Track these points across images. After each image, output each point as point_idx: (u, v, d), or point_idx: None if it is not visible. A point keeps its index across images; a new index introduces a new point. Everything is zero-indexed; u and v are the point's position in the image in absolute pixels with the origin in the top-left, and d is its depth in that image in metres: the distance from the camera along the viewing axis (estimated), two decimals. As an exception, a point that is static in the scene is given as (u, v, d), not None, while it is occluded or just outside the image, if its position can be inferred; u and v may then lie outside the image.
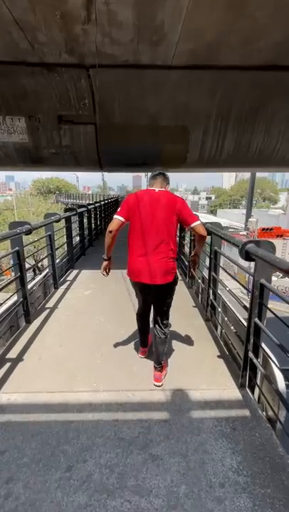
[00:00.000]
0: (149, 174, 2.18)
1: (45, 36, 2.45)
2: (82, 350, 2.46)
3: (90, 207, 6.37)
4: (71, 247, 4.83)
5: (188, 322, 2.98)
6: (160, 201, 1.92)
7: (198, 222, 1.92)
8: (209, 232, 2.78)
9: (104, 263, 2.16)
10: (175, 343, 2.59)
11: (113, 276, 4.46)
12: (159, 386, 2.01)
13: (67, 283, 4.22)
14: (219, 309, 2.72)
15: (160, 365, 2.06)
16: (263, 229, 19.49)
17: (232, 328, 2.34)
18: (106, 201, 9.70)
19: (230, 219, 30.21)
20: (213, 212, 46.46)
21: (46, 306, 3.36)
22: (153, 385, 2.00)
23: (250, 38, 2.57)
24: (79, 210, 5.22)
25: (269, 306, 1.99)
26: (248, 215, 21.85)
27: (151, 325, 2.28)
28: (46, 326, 2.90)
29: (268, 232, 19.53)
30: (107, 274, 2.20)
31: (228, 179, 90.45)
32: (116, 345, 2.54)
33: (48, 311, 3.26)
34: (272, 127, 3.64)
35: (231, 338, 2.42)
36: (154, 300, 2.11)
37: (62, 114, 3.50)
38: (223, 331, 2.60)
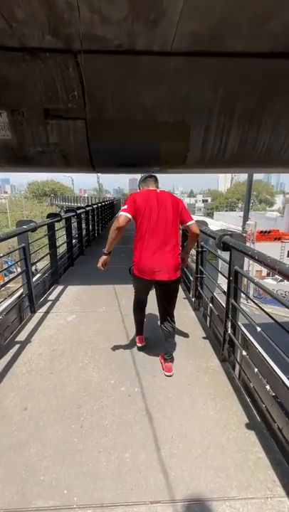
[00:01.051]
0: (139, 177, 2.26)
1: (24, 12, 2.09)
2: (54, 417, 1.72)
3: (80, 211, 5.97)
4: (55, 259, 4.36)
5: (199, 363, 2.30)
6: (166, 201, 2.05)
7: (194, 221, 2.15)
8: (228, 247, 2.22)
9: (104, 257, 2.20)
10: (184, 403, 1.85)
11: (103, 293, 3.91)
12: (170, 376, 2.12)
13: (49, 304, 3.56)
14: (244, 352, 1.99)
15: (170, 357, 2.21)
16: (261, 232, 19.32)
17: (267, 387, 1.62)
18: (100, 204, 9.14)
19: (227, 222, 30.02)
20: (209, 215, 46.34)
21: (16, 340, 2.68)
22: (156, 494, 1.30)
23: (260, 17, 2.24)
24: (65, 216, 4.80)
25: (268, 310, 1.69)
26: (246, 218, 21.62)
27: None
28: (11, 373, 2.17)
29: (265, 235, 19.36)
30: (104, 268, 2.24)
31: (223, 182, 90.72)
32: (102, 406, 1.82)
33: (17, 347, 2.55)
34: (281, 123, 3.32)
35: (265, 400, 1.74)
36: (163, 296, 2.20)
37: (48, 108, 3.14)
38: (252, 384, 1.90)
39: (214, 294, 3.00)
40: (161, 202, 2.03)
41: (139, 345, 2.48)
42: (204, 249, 3.30)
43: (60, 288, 4.11)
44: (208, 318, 3.11)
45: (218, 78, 2.92)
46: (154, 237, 2.01)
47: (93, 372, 2.22)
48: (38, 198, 40.37)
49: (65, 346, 2.60)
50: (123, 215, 2.00)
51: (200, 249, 3.31)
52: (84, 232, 6.30)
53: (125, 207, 2.04)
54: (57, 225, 4.55)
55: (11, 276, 4.20)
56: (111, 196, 64.06)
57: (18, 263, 3.46)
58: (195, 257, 3.49)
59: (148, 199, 2.03)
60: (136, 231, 2.07)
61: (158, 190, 2.10)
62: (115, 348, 2.56)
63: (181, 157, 3.57)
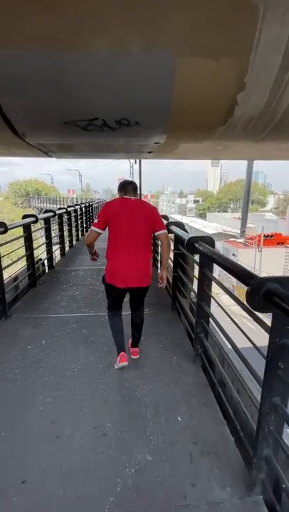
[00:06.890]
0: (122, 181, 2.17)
1: None
2: None
3: (43, 215, 3.80)
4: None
5: None
6: (139, 209, 1.99)
7: (163, 231, 2.07)
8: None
9: (93, 258, 2.23)
10: None
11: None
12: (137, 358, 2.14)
13: None
14: None
15: (136, 345, 2.20)
16: (263, 236, 17.60)
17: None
18: (72, 208, 6.22)
19: (222, 223, 28.31)
20: (201, 215, 44.75)
21: None
22: None
23: None
24: (11, 225, 2.65)
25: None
26: (245, 220, 19.89)
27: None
28: None
29: (268, 239, 17.64)
30: (96, 258, 2.24)
31: (212, 182, 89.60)
32: None
33: None
34: None
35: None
36: (133, 300, 2.17)
37: None
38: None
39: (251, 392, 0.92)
40: (133, 210, 1.97)
41: (121, 364, 1.98)
42: None
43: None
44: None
45: None
46: (125, 244, 1.97)
47: None
48: (20, 199, 37.97)
49: None
50: (93, 232, 1.98)
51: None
52: (45, 247, 4.06)
53: (96, 221, 2.00)
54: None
55: None
56: (100, 196, 61.79)
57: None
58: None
59: (120, 207, 1.98)
60: (108, 239, 2.02)
61: (132, 199, 2.02)
62: None
63: (223, 107, 1.47)
